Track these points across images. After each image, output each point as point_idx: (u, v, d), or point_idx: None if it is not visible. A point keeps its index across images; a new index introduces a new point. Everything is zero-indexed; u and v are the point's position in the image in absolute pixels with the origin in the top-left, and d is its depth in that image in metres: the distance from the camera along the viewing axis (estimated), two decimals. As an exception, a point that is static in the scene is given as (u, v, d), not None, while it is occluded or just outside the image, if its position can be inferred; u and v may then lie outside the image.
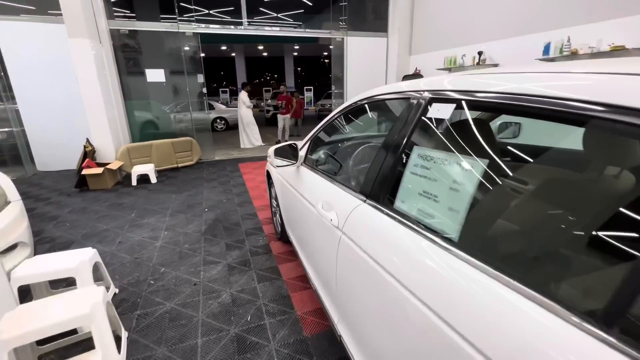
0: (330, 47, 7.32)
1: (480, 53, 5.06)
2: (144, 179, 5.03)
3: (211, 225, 3.40)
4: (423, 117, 1.06)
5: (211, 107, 11.62)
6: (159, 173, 5.44)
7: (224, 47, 22.08)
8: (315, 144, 2.08)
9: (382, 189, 1.14)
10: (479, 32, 5.14)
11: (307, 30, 6.72)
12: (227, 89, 22.59)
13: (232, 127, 11.36)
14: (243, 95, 7.64)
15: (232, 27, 6.06)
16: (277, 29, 6.63)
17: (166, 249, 2.90)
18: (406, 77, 6.82)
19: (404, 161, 1.08)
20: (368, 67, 7.11)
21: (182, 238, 3.11)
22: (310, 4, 9.36)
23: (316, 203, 1.58)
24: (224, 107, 12.46)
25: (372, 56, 7.08)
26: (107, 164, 4.77)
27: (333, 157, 1.99)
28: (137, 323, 1.96)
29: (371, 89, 1.51)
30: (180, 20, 5.84)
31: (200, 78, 6.05)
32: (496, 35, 4.82)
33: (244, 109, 7.70)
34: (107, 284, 2.18)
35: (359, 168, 1.76)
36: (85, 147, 4.85)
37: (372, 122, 2.41)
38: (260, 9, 9.59)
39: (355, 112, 1.70)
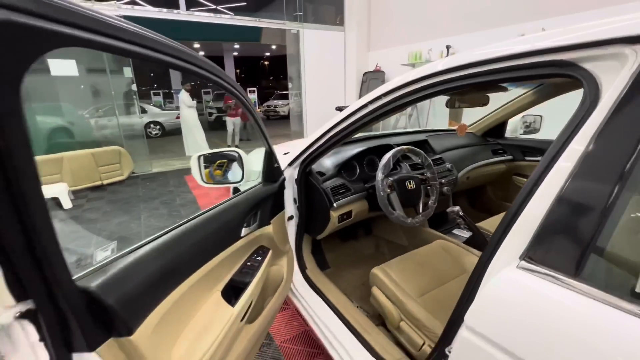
0: (273, 47, 6.71)
1: (448, 47, 4.84)
2: (53, 204, 3.76)
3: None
4: None
5: (143, 111, 10.21)
6: (76, 194, 4.17)
7: (153, 45, 19.77)
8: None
9: None
10: (446, 24, 4.91)
11: (260, 19, 5.90)
12: (160, 92, 20.55)
13: (169, 133, 10.04)
14: (184, 95, 6.56)
15: (165, 10, 4.97)
16: (228, 16, 5.71)
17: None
18: (367, 74, 6.47)
19: None
20: (326, 65, 6.56)
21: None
22: (256, -4, 8.51)
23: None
24: (158, 110, 10.99)
25: (329, 52, 6.55)
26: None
27: None
28: None
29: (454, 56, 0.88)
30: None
31: (128, 72, 4.86)
32: (466, 28, 4.62)
33: (185, 110, 6.61)
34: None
35: None
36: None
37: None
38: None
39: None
